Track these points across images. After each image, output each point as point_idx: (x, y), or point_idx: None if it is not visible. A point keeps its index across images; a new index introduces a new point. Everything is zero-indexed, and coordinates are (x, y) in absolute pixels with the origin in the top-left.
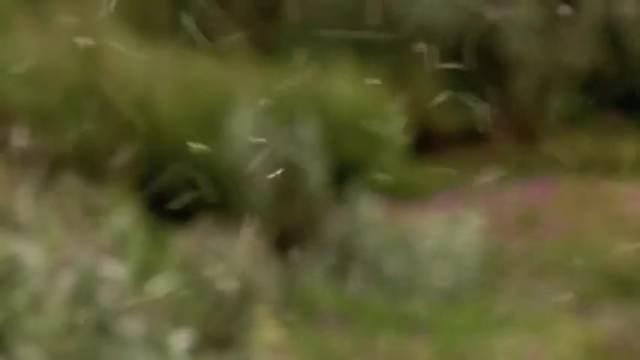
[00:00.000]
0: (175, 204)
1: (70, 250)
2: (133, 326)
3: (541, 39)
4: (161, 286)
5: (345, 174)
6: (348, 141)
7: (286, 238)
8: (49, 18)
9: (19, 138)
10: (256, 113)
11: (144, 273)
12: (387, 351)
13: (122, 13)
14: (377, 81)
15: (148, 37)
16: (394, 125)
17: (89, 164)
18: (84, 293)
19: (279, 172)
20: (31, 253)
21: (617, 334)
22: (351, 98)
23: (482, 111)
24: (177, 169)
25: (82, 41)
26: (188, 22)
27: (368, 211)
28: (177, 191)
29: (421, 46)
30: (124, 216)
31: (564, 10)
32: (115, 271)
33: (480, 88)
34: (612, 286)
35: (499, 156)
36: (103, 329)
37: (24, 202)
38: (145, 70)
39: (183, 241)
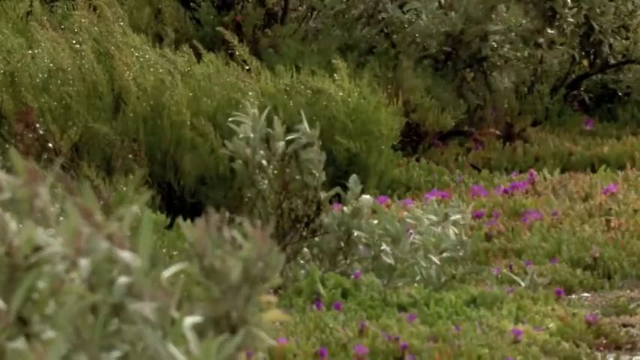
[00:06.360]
0: (186, 197)
1: (88, 239)
2: (145, 309)
3: (525, 42)
4: (172, 273)
5: (343, 171)
6: (346, 139)
7: (288, 229)
8: (65, 20)
9: (36, 133)
10: (257, 112)
11: (156, 261)
12: (382, 331)
13: (132, 15)
14: (373, 81)
15: (156, 38)
16: (389, 123)
17: (103, 159)
18: (101, 279)
19: (279, 169)
20: (52, 243)
21: (594, 319)
22: (349, 98)
23: (469, 110)
24: (188, 164)
25: (97, 42)
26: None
27: (365, 205)
28: (188, 185)
29: (413, 48)
30: (137, 208)
31: (547, 15)
32: (129, 258)
33: (467, 88)
34: (589, 272)
35: (485, 153)
36: (118, 312)
37: (44, 193)
38: (155, 69)
39: (193, 232)
